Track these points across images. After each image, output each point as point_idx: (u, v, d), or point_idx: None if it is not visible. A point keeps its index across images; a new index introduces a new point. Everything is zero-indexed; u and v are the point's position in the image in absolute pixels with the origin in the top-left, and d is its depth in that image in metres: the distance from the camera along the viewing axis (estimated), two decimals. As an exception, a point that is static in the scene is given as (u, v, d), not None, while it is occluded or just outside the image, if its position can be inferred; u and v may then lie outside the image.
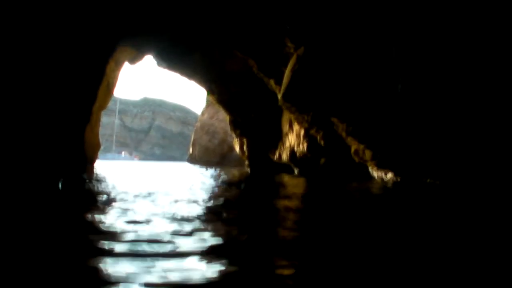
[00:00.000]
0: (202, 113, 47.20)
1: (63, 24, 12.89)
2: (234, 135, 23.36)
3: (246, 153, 21.70)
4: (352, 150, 13.73)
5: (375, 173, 13.88)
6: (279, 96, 14.19)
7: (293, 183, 13.19)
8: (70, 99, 13.62)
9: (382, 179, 13.38)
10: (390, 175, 13.15)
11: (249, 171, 22.42)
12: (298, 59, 13.19)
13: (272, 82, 16.07)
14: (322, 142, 15.45)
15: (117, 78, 21.41)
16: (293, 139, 17.55)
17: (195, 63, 18.68)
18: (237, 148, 23.71)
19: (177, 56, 18.63)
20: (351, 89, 11.95)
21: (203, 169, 24.79)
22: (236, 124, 21.54)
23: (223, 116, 32.92)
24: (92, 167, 18.41)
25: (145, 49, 19.13)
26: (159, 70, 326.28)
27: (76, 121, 14.40)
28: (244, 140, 21.61)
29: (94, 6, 13.46)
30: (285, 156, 18.53)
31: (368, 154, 12.90)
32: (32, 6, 11.91)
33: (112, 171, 18.58)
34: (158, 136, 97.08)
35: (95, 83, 15.57)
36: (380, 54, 10.97)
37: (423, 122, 10.72)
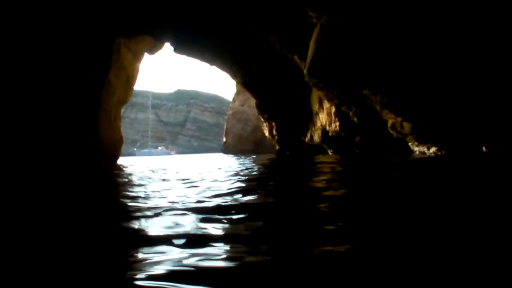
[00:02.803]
0: (233, 100, 46.23)
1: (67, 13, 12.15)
2: (262, 119, 22.32)
3: (276, 137, 20.63)
4: (389, 124, 12.46)
5: (416, 148, 12.57)
6: (305, 72, 13.02)
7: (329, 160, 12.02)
8: (73, 87, 12.85)
9: (423, 154, 12.06)
10: (433, 149, 11.81)
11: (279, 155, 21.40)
12: (322, 29, 11.95)
13: (296, 58, 14.88)
14: (355, 119, 14.21)
15: (137, 71, 20.77)
16: (324, 118, 16.33)
17: (214, 47, 17.68)
18: (266, 133, 22.65)
19: (194, 42, 17.68)
20: (383, 56, 10.63)
21: (233, 159, 23.91)
22: (263, 108, 20.43)
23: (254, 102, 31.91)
24: (114, 164, 17.74)
25: (162, 37, 18.28)
26: (191, 61, 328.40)
27: (85, 112, 13.61)
28: (273, 123, 20.51)
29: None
30: (316, 137, 17.33)
31: (407, 127, 11.59)
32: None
33: (136, 166, 17.90)
34: (194, 128, 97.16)
35: (102, 68, 14.75)
36: (417, 10, 9.58)
37: (471, 87, 9.33)
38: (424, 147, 12.11)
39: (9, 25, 10.70)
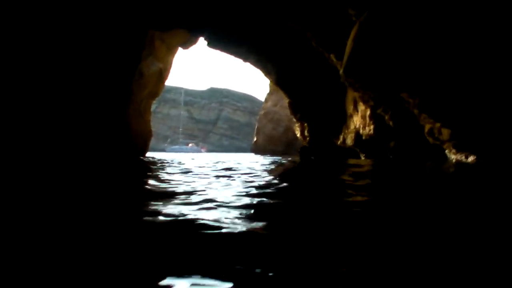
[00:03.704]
0: (266, 100, 45.98)
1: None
2: (294, 119, 21.95)
3: (308, 138, 20.22)
4: (426, 129, 11.94)
5: (453, 156, 11.99)
6: (341, 71, 12.63)
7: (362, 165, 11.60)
8: (104, 76, 12.80)
9: (460, 162, 11.49)
10: (471, 158, 11.23)
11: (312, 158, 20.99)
12: (361, 27, 11.55)
13: (332, 56, 14.48)
14: (391, 123, 13.72)
15: (170, 65, 20.79)
16: (358, 120, 15.87)
17: (249, 42, 17.45)
18: (298, 133, 22.25)
19: (230, 37, 17.49)
20: (423, 57, 10.15)
21: (260, 158, 23.65)
22: (296, 107, 20.06)
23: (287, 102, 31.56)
24: (143, 157, 17.72)
25: (197, 31, 18.18)
26: (223, 59, 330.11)
27: (115, 102, 13.56)
28: (305, 124, 20.11)
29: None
30: (349, 140, 16.88)
31: (445, 133, 11.07)
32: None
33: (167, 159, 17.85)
34: (226, 127, 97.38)
35: (134, 59, 14.69)
36: (465, 7, 9.08)
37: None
38: (462, 155, 11.55)
39: (44, 14, 10.75)
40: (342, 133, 17.53)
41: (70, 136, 11.83)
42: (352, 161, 14.65)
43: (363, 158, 16.96)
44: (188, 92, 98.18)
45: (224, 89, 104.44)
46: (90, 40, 12.21)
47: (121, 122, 14.21)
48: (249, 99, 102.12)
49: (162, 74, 19.96)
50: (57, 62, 11.08)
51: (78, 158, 11.25)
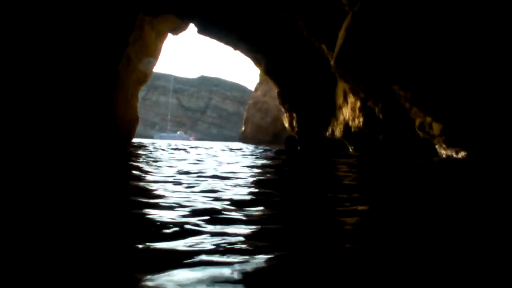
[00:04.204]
0: (255, 90, 45.63)
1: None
2: (283, 109, 21.66)
3: (296, 129, 19.97)
4: (417, 123, 11.74)
5: (443, 151, 11.82)
6: (332, 62, 12.37)
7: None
8: (89, 59, 12.32)
9: (450, 158, 11.33)
10: (462, 153, 11.06)
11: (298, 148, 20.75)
12: (353, 17, 11.28)
13: (324, 47, 14.19)
14: (380, 116, 13.51)
15: (159, 51, 20.35)
16: (348, 112, 15.65)
17: (240, 30, 17.06)
18: (286, 124, 21.98)
19: (220, 23, 17.08)
20: (416, 49, 9.92)
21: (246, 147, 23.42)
22: (285, 97, 19.75)
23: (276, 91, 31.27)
24: (129, 141, 17.34)
25: (186, 17, 17.73)
26: (214, 47, 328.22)
27: (100, 86, 13.07)
28: (294, 115, 19.84)
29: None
30: (338, 132, 16.66)
31: (436, 128, 10.87)
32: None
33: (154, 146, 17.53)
34: (215, 115, 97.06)
35: (121, 42, 14.21)
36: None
37: None
38: (453, 151, 11.38)
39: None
40: (331, 125, 17.30)
41: (49, 122, 11.38)
42: (340, 155, 14.44)
43: (351, 150, 16.78)
44: (178, 80, 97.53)
45: (214, 78, 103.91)
46: (72, 21, 11.70)
47: (106, 108, 13.79)
48: (239, 89, 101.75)
49: (151, 59, 19.53)
50: (35, 42, 10.57)
51: (57, 146, 10.86)
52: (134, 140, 31.61)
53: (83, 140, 12.13)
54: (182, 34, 20.89)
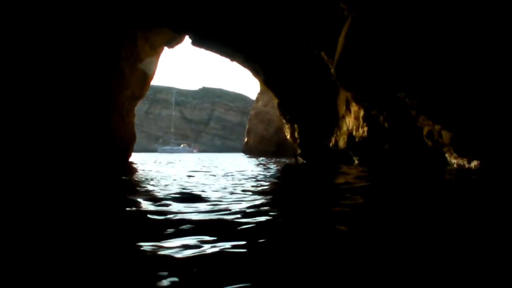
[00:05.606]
0: (256, 100, 45.09)
1: None
2: (284, 121, 20.98)
3: (298, 140, 19.27)
4: (425, 132, 11.07)
5: (454, 160, 11.14)
6: (332, 70, 11.72)
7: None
8: (81, 76, 11.68)
9: (462, 168, 10.64)
10: (475, 163, 10.36)
11: (301, 160, 20.12)
12: (353, 22, 10.63)
13: (323, 54, 13.55)
14: (386, 124, 12.83)
15: (155, 65, 19.77)
16: (351, 122, 14.97)
17: (235, 40, 16.46)
18: (288, 136, 21.30)
19: (215, 34, 16.49)
20: (423, 54, 9.25)
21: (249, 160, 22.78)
22: (285, 108, 19.09)
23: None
24: (126, 162, 16.64)
25: (180, 29, 17.16)
26: (216, 58, 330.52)
27: (93, 104, 12.43)
28: (295, 126, 19.16)
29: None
30: (342, 142, 15.96)
31: (446, 136, 10.18)
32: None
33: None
34: (218, 127, 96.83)
35: (112, 57, 13.63)
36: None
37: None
38: (464, 160, 10.68)
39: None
40: (334, 135, 16.61)
41: (36, 141, 10.73)
42: (344, 168, 13.73)
43: (356, 161, 16.05)
44: (180, 92, 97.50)
45: (216, 89, 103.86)
46: (62, 36, 11.12)
47: (99, 127, 13.15)
48: (242, 99, 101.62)
49: (146, 74, 18.97)
50: (24, 57, 9.97)
51: (43, 173, 10.20)
52: (136, 155, 31.00)
53: (72, 167, 11.46)
54: (181, 46, 20.49)
